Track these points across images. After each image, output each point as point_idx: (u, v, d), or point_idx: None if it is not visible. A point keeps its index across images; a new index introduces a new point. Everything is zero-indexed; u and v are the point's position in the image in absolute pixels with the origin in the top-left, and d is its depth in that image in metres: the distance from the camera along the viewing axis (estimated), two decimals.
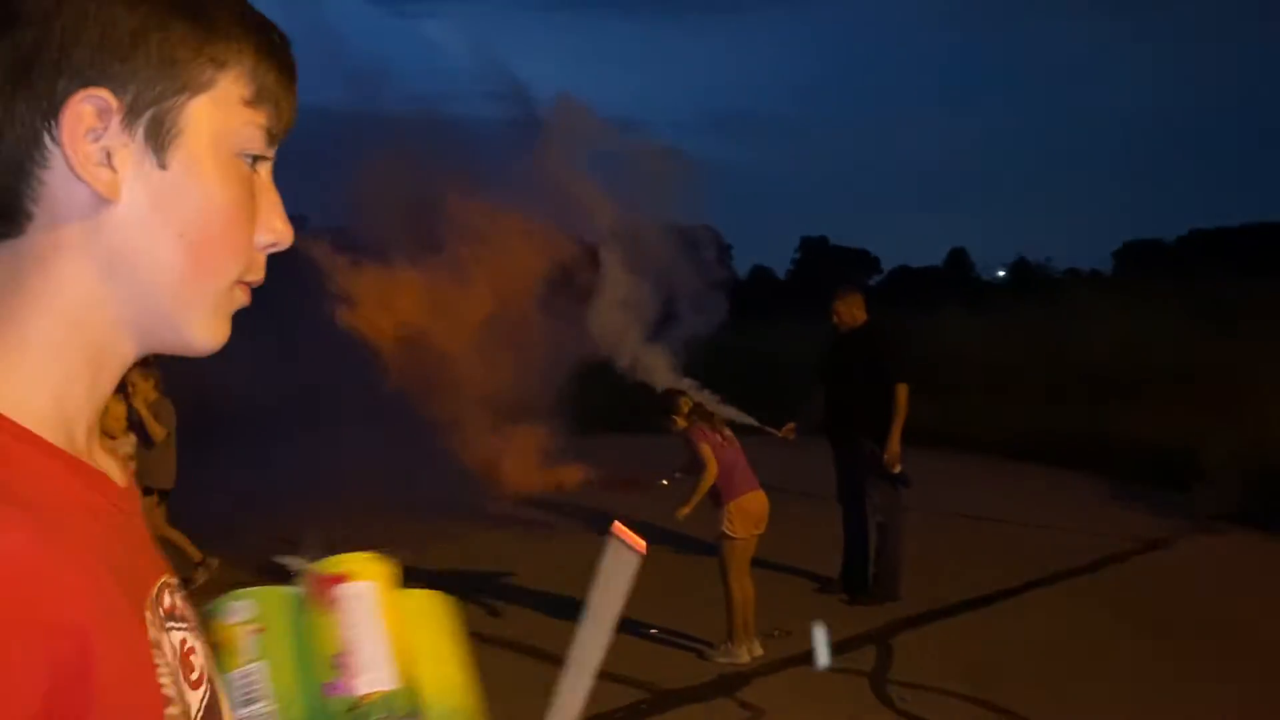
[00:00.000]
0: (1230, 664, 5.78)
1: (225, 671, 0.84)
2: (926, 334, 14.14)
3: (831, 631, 6.42)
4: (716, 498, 6.01)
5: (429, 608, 0.92)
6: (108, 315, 0.70)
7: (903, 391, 6.92)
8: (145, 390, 6.95)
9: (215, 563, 7.34)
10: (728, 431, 6.25)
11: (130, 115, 0.68)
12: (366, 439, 10.93)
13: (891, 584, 7.09)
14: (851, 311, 7.24)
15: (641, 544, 1.07)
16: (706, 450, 6.03)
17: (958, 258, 63.00)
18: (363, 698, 0.83)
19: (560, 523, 9.65)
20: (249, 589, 0.88)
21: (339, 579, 0.87)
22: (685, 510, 6.11)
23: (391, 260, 8.96)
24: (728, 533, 5.96)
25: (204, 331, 0.73)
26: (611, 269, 9.00)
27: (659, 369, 8.60)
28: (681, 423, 6.23)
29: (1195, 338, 12.99)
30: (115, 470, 0.74)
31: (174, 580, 0.76)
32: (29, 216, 0.68)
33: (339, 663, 0.84)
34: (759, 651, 6.02)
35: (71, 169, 0.67)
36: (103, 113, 0.67)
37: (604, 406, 12.29)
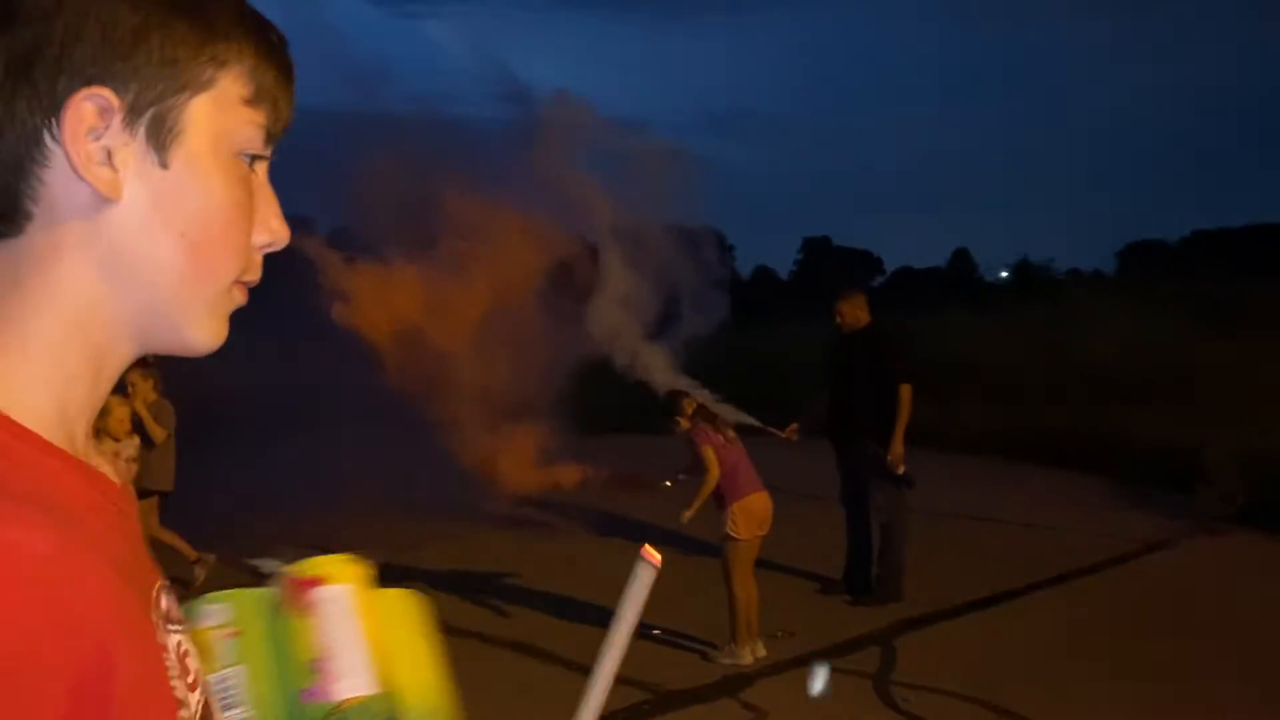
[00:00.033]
0: (1233, 665, 5.77)
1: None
2: (929, 335, 14.12)
3: (834, 632, 6.45)
4: (720, 499, 6.01)
5: (404, 607, 0.91)
6: (108, 315, 0.70)
7: (906, 392, 6.92)
8: (145, 391, 6.94)
9: (211, 558, 7.34)
10: (731, 433, 6.25)
11: (131, 114, 0.68)
12: (366, 439, 10.93)
13: (894, 585, 7.08)
14: (855, 312, 7.24)
15: (658, 558, 1.07)
16: (709, 453, 6.02)
17: (960, 258, 62.98)
18: (340, 704, 0.82)
19: (560, 523, 9.65)
20: (224, 592, 0.87)
21: (315, 582, 0.86)
22: (689, 514, 6.11)
23: (392, 260, 8.96)
24: (731, 534, 5.95)
25: (203, 331, 0.73)
26: (611, 267, 8.99)
27: (660, 368, 8.59)
28: (685, 424, 6.22)
29: (1198, 339, 12.98)
30: (110, 471, 0.74)
31: (167, 582, 0.76)
32: (28, 216, 0.68)
33: (316, 668, 0.82)
34: (762, 653, 6.02)
35: (73, 168, 0.67)
36: (104, 111, 0.67)
37: (607, 406, 12.28)
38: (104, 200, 0.68)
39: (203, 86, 0.70)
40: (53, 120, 0.66)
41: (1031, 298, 22.11)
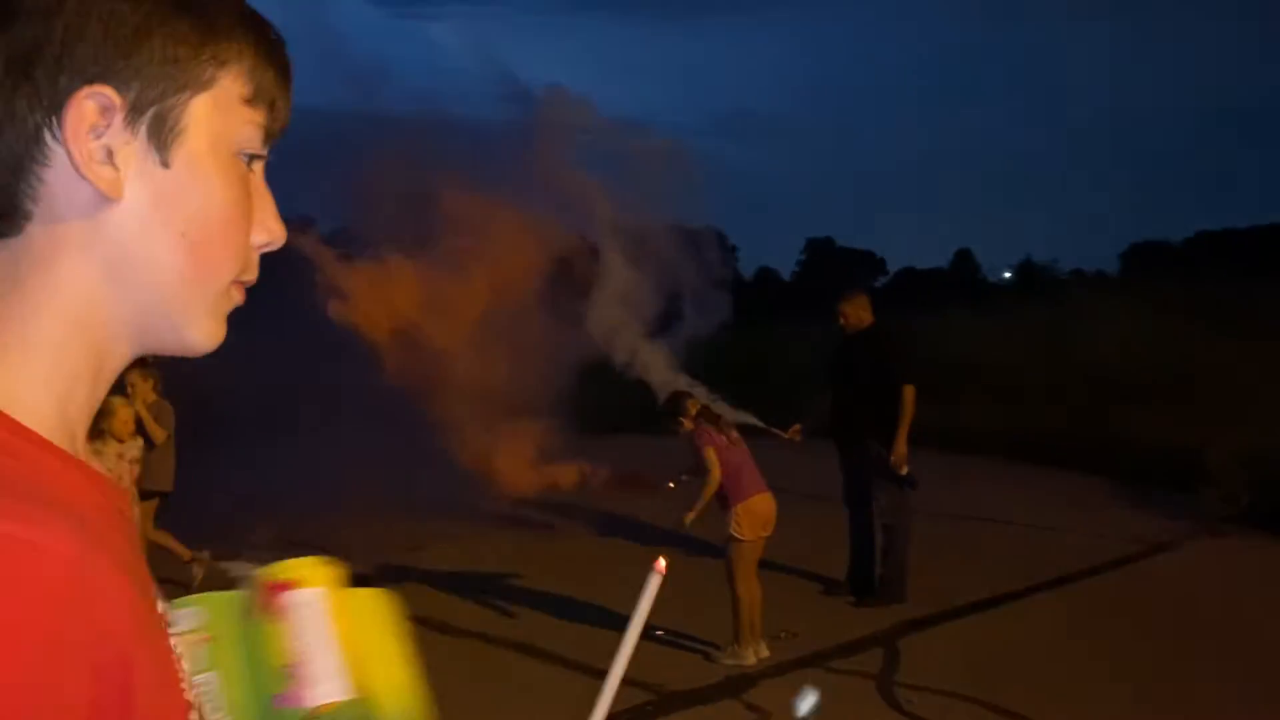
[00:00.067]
0: (1235, 666, 5.76)
1: None
2: (932, 335, 14.12)
3: (837, 633, 6.45)
4: (724, 500, 6.00)
5: (375, 607, 0.90)
6: (108, 315, 0.70)
7: (909, 393, 6.92)
8: (144, 392, 6.92)
9: (206, 555, 7.34)
10: (735, 433, 6.24)
11: (133, 113, 0.68)
12: (366, 439, 10.93)
13: (898, 586, 7.08)
14: (858, 313, 7.23)
15: (663, 567, 1.08)
16: (711, 455, 6.01)
17: (963, 259, 62.99)
18: (315, 710, 0.81)
19: (561, 523, 9.65)
20: (194, 596, 0.86)
21: (286, 586, 0.84)
22: (690, 516, 6.10)
23: (392, 259, 8.96)
24: (735, 535, 5.95)
25: (202, 331, 0.73)
26: (611, 265, 8.98)
27: (661, 368, 8.59)
28: (688, 424, 6.22)
29: (1202, 339, 12.96)
30: (106, 472, 0.74)
31: (158, 585, 0.75)
32: (27, 216, 0.67)
33: (290, 673, 0.81)
34: (765, 653, 6.01)
35: (74, 167, 0.66)
36: (106, 110, 0.67)
37: (608, 406, 12.29)
38: (105, 200, 0.67)
39: (204, 86, 0.70)
40: (53, 119, 0.66)
41: (1034, 298, 22.10)
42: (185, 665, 0.72)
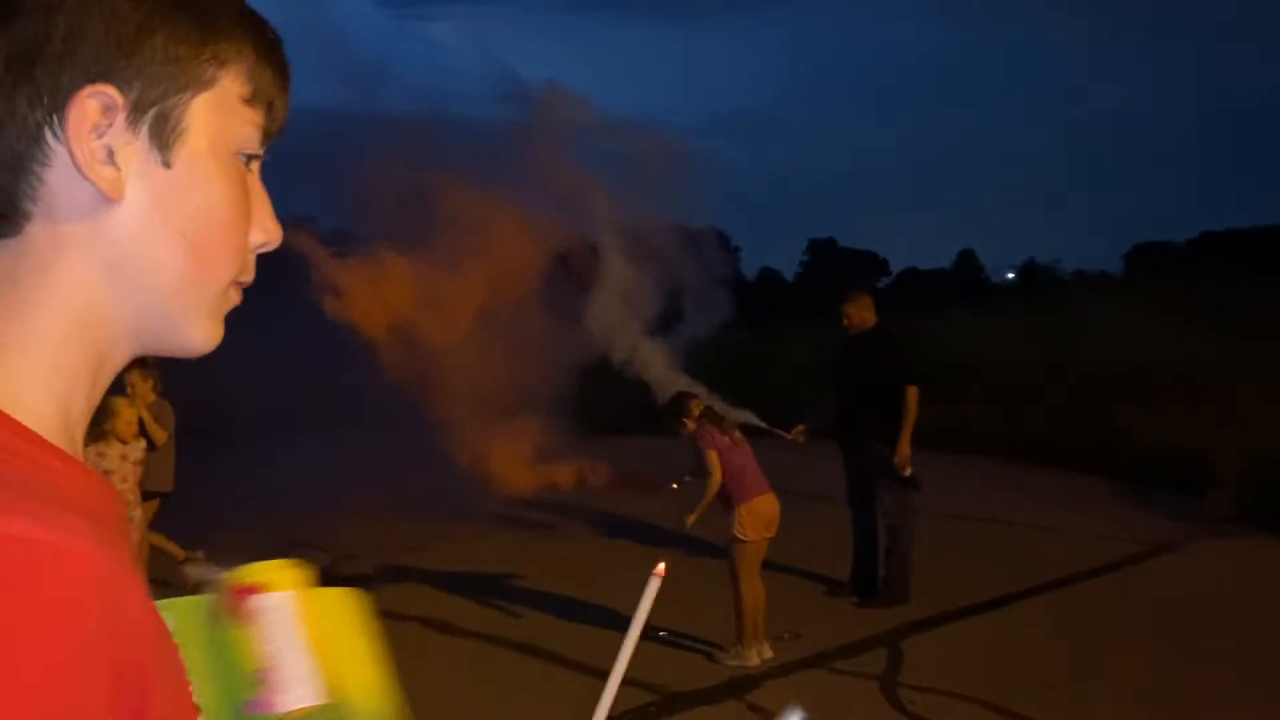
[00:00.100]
0: (1238, 666, 5.75)
1: None
2: (935, 336, 14.11)
3: (840, 634, 6.44)
4: (727, 501, 6.00)
5: (344, 607, 0.89)
6: (108, 316, 0.69)
7: (913, 394, 6.91)
8: (144, 392, 6.91)
9: (200, 555, 7.34)
10: (738, 434, 6.24)
11: (135, 112, 0.67)
12: (367, 439, 10.94)
13: (901, 587, 7.07)
14: (861, 314, 7.23)
15: (663, 570, 1.09)
16: (712, 457, 6.01)
17: (966, 259, 62.93)
18: (286, 716, 0.81)
19: (561, 523, 9.66)
20: (162, 600, 0.86)
21: (254, 589, 0.83)
22: (692, 519, 6.10)
23: (391, 257, 8.94)
24: (739, 536, 5.94)
25: (201, 332, 0.73)
26: (612, 264, 8.96)
27: (662, 368, 8.58)
28: (691, 425, 6.21)
29: (1204, 340, 12.94)
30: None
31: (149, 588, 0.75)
32: (27, 216, 0.67)
33: (260, 679, 0.80)
34: (769, 654, 6.01)
35: (76, 167, 0.66)
36: (108, 109, 0.66)
37: (608, 406, 12.29)
38: (106, 200, 0.67)
39: (205, 85, 0.70)
40: (54, 118, 0.65)
41: (1037, 299, 22.06)
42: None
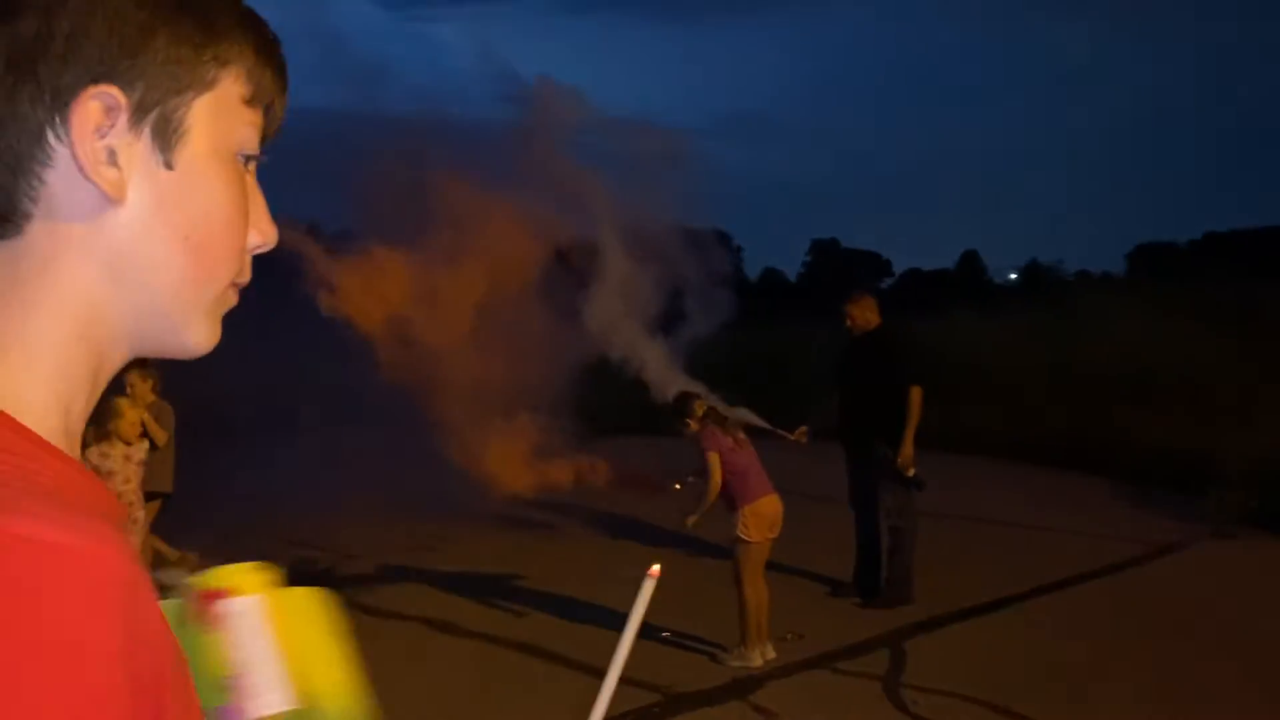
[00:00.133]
0: (1241, 667, 5.74)
1: None
2: (938, 337, 14.10)
3: (843, 635, 6.44)
4: (731, 502, 6.00)
5: (311, 607, 0.89)
6: (108, 317, 0.69)
7: (916, 394, 6.90)
8: (144, 392, 6.91)
9: (193, 557, 7.32)
10: (741, 435, 6.23)
11: (137, 113, 0.67)
12: (367, 439, 10.93)
13: (904, 587, 7.07)
14: (864, 315, 7.22)
15: (657, 571, 1.09)
16: (714, 459, 6.00)
17: (969, 260, 62.92)
18: None
19: (563, 523, 9.65)
20: None
21: (221, 594, 0.83)
22: (693, 519, 6.09)
23: (389, 255, 8.94)
24: (742, 536, 5.94)
25: (200, 334, 0.72)
26: (612, 263, 8.94)
27: (663, 369, 8.57)
28: (694, 426, 6.21)
29: (1207, 341, 12.93)
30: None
31: None
32: (27, 217, 0.66)
33: (230, 685, 0.80)
34: (772, 655, 6.00)
35: (79, 168, 0.65)
36: (110, 110, 0.66)
37: (611, 406, 12.28)
38: (107, 201, 0.67)
39: (206, 86, 0.69)
40: (56, 118, 0.65)
41: (1040, 299, 22.03)
42: None
